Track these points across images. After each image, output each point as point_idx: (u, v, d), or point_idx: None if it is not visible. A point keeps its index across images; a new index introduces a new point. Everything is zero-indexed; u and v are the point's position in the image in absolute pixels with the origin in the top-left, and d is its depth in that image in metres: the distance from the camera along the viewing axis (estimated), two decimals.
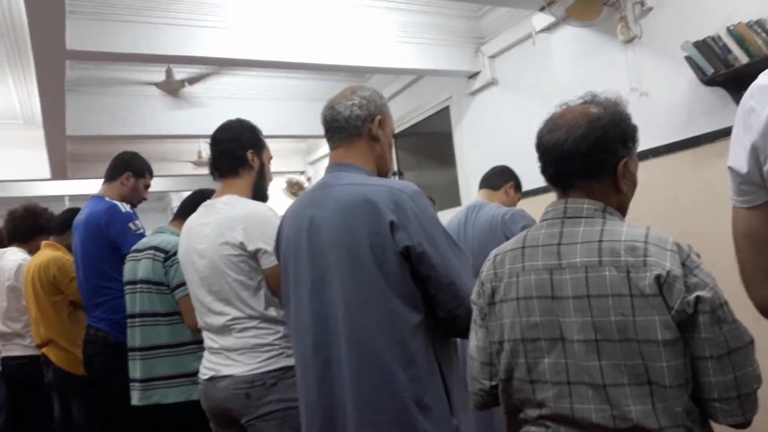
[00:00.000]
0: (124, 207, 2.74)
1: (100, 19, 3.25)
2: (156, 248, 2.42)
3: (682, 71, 2.75)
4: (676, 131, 2.85)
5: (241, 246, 1.86)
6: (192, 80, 4.76)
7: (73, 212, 3.07)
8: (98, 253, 2.70)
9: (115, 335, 2.66)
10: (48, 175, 5.87)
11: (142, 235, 2.67)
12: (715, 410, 1.09)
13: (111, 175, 2.86)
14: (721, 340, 1.06)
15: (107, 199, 2.77)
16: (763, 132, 0.90)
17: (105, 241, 2.67)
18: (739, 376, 1.07)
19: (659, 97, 2.94)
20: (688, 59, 2.65)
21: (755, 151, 0.91)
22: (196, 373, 2.30)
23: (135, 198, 2.89)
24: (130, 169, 2.86)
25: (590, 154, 1.19)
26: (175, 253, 2.35)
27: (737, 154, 0.95)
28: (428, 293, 1.46)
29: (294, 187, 6.32)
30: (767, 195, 0.94)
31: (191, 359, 2.35)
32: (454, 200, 4.67)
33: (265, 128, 2.15)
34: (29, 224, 3.52)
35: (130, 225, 2.67)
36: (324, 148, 6.72)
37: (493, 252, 1.32)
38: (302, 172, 7.33)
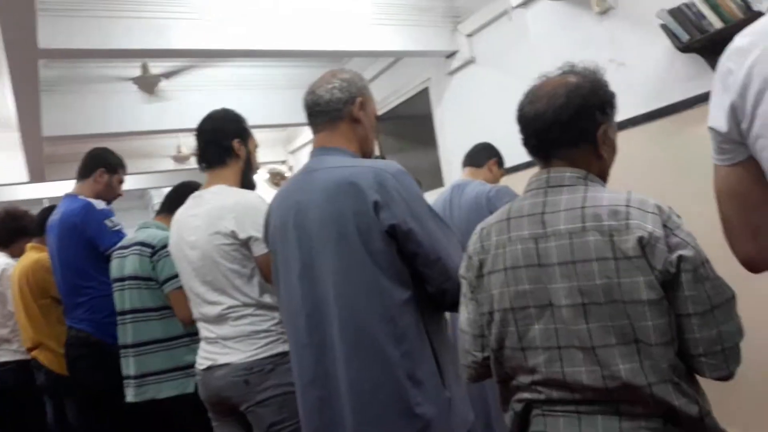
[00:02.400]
0: (99, 204, 2.72)
1: (72, 15, 3.20)
2: (142, 243, 2.41)
3: (658, 40, 2.76)
4: (655, 99, 2.88)
5: (233, 235, 1.87)
6: (169, 74, 4.71)
7: (51, 211, 3.04)
8: (75, 253, 2.68)
9: (97, 335, 2.65)
10: (26, 178, 5.80)
11: (120, 232, 2.65)
12: (701, 365, 1.11)
13: (83, 173, 2.83)
14: (704, 296, 1.09)
15: (81, 197, 2.74)
16: (740, 91, 0.91)
17: (82, 239, 2.65)
18: (723, 330, 1.09)
19: (637, 66, 2.96)
20: (664, 27, 2.67)
21: (734, 110, 0.93)
22: (189, 366, 2.31)
23: (110, 194, 2.86)
24: (102, 165, 2.83)
25: (571, 123, 1.21)
26: (162, 248, 2.35)
27: (717, 115, 0.97)
28: (416, 270, 1.47)
29: (276, 178, 6.31)
30: (746, 152, 0.96)
31: (184, 352, 2.36)
32: (437, 181, 4.69)
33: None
34: (10, 228, 3.48)
35: (107, 222, 2.65)
36: (304, 136, 6.70)
37: (479, 225, 1.34)
38: (283, 162, 7.31)
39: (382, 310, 1.44)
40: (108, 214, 2.70)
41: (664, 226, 1.10)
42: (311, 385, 1.53)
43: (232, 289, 1.89)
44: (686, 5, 2.56)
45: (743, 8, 2.37)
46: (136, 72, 4.54)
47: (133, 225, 2.60)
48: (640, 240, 1.08)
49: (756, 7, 2.32)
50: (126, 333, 2.42)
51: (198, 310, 1.99)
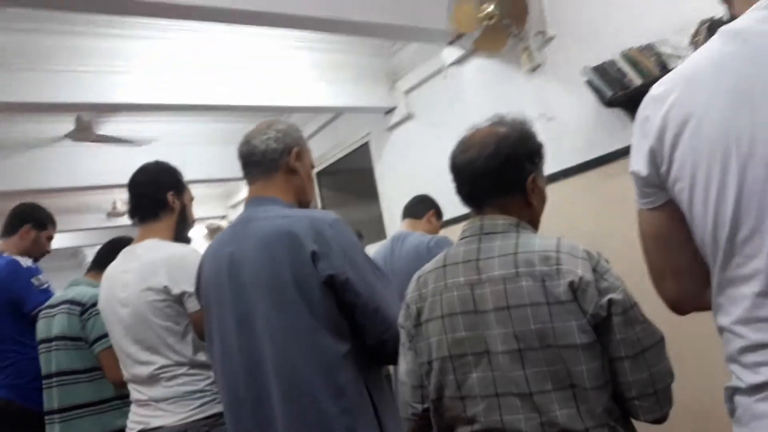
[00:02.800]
0: (26, 262, 2.60)
1: (3, 69, 3.12)
2: (71, 302, 2.31)
3: (584, 95, 2.90)
4: (583, 152, 3.00)
5: (165, 290, 1.80)
6: (102, 138, 4.60)
7: None
8: None
9: (21, 401, 2.49)
10: None
11: (47, 290, 2.53)
12: (635, 408, 1.13)
13: (8, 230, 2.72)
14: (635, 339, 1.11)
15: (6, 254, 2.62)
16: (658, 136, 0.96)
17: (5, 300, 2.52)
18: (654, 372, 1.12)
19: (565, 120, 3.09)
20: (589, 83, 2.81)
21: (653, 154, 0.98)
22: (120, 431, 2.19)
23: (37, 251, 2.75)
24: (29, 221, 2.72)
25: (501, 171, 1.24)
26: (92, 306, 2.26)
27: (637, 160, 1.01)
28: (355, 321, 1.45)
29: (215, 233, 6.20)
30: (667, 195, 1.00)
31: (115, 416, 2.25)
32: (379, 234, 4.71)
33: (182, 173, 2.11)
34: None
35: (33, 281, 2.54)
36: (244, 191, 6.63)
37: (417, 274, 1.34)
38: (223, 217, 7.21)
39: (321, 365, 1.41)
40: (35, 272, 2.58)
41: (594, 270, 1.13)
42: None
43: (164, 347, 1.82)
44: (609, 63, 2.71)
45: (660, 66, 2.53)
46: (69, 127, 4.43)
47: (61, 286, 2.49)
48: (571, 284, 1.11)
49: (671, 65, 2.48)
50: (52, 398, 2.29)
51: (128, 370, 1.90)
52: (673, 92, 0.95)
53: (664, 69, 2.51)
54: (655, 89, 0.99)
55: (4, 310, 2.52)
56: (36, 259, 2.70)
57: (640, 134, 1.00)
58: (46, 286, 2.55)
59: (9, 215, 2.74)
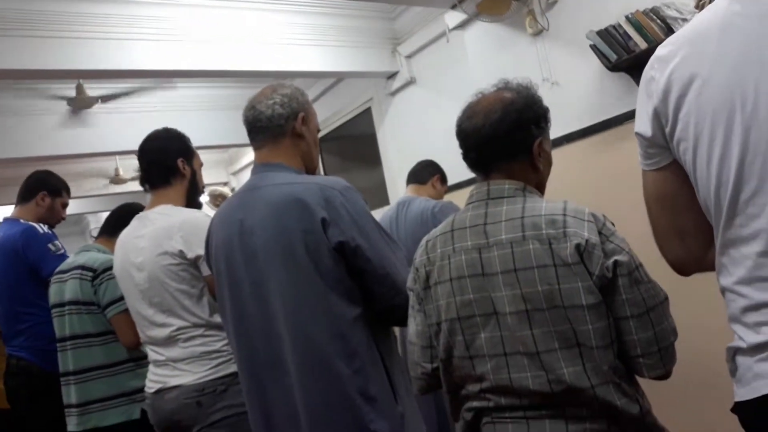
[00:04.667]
0: (42, 228, 2.64)
1: (4, 35, 3.09)
2: (83, 267, 2.34)
3: (588, 59, 2.89)
4: (587, 117, 3.00)
5: (181, 254, 1.84)
6: (106, 97, 4.60)
7: None
8: (16, 279, 2.59)
9: (40, 363, 2.56)
10: None
11: (63, 256, 2.57)
12: (640, 365, 1.17)
13: (25, 196, 2.74)
14: (640, 299, 1.15)
15: (22, 221, 2.65)
16: (662, 97, 0.97)
17: (23, 265, 2.56)
18: (658, 331, 1.16)
19: (569, 85, 3.08)
20: (593, 47, 2.79)
21: (657, 115, 0.98)
22: (134, 392, 2.25)
23: (53, 218, 2.78)
24: (45, 188, 2.75)
25: (507, 137, 1.26)
26: (103, 271, 2.30)
27: (642, 121, 1.02)
28: (365, 286, 1.48)
29: (218, 199, 6.19)
30: (671, 156, 1.01)
31: (128, 378, 2.30)
32: (382, 200, 4.72)
33: None
34: None
35: (50, 246, 2.58)
36: (247, 157, 6.64)
37: (425, 238, 1.37)
38: (225, 183, 7.21)
39: (333, 328, 1.44)
40: (51, 237, 2.62)
41: (600, 233, 1.16)
42: (266, 406, 1.51)
43: (181, 309, 1.86)
44: (613, 27, 2.69)
45: (665, 30, 2.52)
46: (71, 93, 4.42)
47: (71, 252, 2.52)
48: (578, 247, 1.13)
49: (676, 29, 2.46)
50: (67, 360, 2.34)
51: (145, 333, 1.95)
52: (679, 53, 0.95)
53: (670, 32, 2.49)
54: (661, 50, 0.99)
55: (22, 274, 2.56)
56: (51, 226, 2.74)
57: (644, 95, 1.01)
58: (62, 251, 2.60)
59: (25, 182, 2.77)
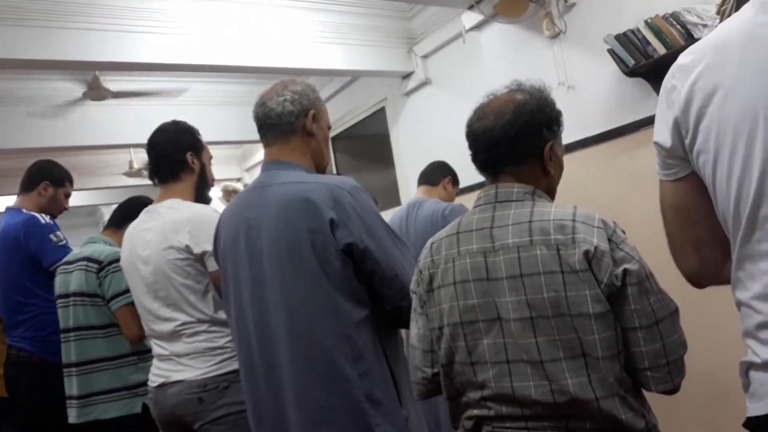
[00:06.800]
0: (44, 218, 2.63)
1: (19, 25, 3.11)
2: (88, 259, 2.34)
3: (605, 64, 2.85)
4: (603, 122, 2.96)
5: (187, 249, 1.83)
6: (119, 93, 4.61)
7: None
8: (18, 268, 2.59)
9: (40, 354, 2.56)
10: None
11: (65, 247, 2.57)
12: (647, 379, 1.13)
13: (27, 186, 2.74)
14: (649, 310, 1.11)
15: (25, 210, 2.65)
16: (683, 107, 0.94)
17: (24, 255, 2.56)
18: (667, 344, 1.12)
19: (585, 89, 3.04)
20: (611, 52, 2.75)
21: (677, 125, 0.96)
22: (136, 386, 2.25)
23: (55, 208, 2.77)
24: (48, 178, 2.74)
25: (518, 139, 1.23)
26: (109, 263, 2.29)
27: (661, 130, 1.00)
28: (373, 288, 1.46)
29: (230, 195, 6.20)
30: (690, 167, 0.98)
31: (131, 371, 2.30)
32: (394, 200, 4.70)
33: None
34: None
35: (51, 237, 2.57)
36: (260, 154, 6.63)
37: (430, 240, 1.34)
38: (238, 179, 7.23)
39: (339, 330, 1.42)
40: (53, 228, 2.61)
41: (609, 240, 1.13)
42: (263, 407, 1.50)
43: (185, 304, 1.85)
44: (632, 31, 2.65)
45: (684, 35, 2.47)
46: (86, 85, 4.44)
47: (77, 243, 2.52)
48: (586, 254, 1.10)
49: (696, 34, 2.42)
50: (70, 351, 2.34)
51: (150, 326, 1.94)
52: (701, 62, 0.93)
53: (690, 38, 2.45)
54: (683, 58, 0.97)
55: (24, 265, 2.56)
56: (54, 216, 2.73)
57: (665, 104, 0.99)
58: (63, 242, 2.59)
59: (27, 172, 2.77)
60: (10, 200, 2.89)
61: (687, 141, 0.95)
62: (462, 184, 3.32)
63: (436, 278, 1.26)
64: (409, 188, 4.43)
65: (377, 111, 4.93)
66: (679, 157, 0.98)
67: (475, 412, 1.22)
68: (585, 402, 1.10)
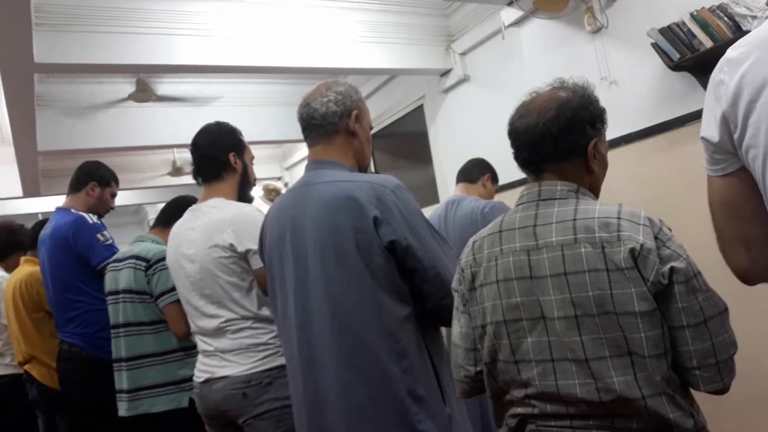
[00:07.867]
0: (92, 218, 2.71)
1: (68, 30, 3.22)
2: (137, 257, 2.40)
3: (649, 58, 2.80)
4: (647, 117, 2.90)
5: (231, 248, 1.87)
6: (163, 98, 4.71)
7: (43, 224, 3.03)
8: (67, 267, 2.67)
9: (89, 350, 2.64)
10: (20, 193, 5.78)
11: (112, 246, 2.64)
12: (696, 378, 1.12)
13: (75, 187, 2.83)
14: (697, 308, 1.09)
15: (73, 210, 2.74)
16: (732, 101, 0.93)
17: (73, 254, 2.64)
18: (716, 343, 1.10)
19: (628, 84, 2.99)
20: (655, 46, 2.70)
21: (726, 120, 0.95)
22: (184, 381, 2.30)
23: (102, 208, 2.85)
24: (94, 178, 2.82)
25: (561, 137, 1.22)
26: (156, 261, 2.35)
27: (709, 125, 0.98)
28: (415, 285, 1.47)
29: (271, 194, 6.29)
30: (739, 162, 0.97)
31: (178, 366, 2.35)
32: (433, 198, 4.70)
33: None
34: (5, 241, 3.47)
35: (99, 236, 2.64)
36: (300, 153, 6.72)
37: (472, 239, 1.34)
38: (279, 178, 7.31)
39: (383, 327, 1.43)
40: (100, 227, 2.69)
41: (656, 238, 1.11)
42: (302, 402, 1.52)
43: (230, 302, 1.89)
44: (677, 24, 2.59)
45: (732, 28, 2.41)
46: (132, 87, 4.55)
47: (129, 241, 2.59)
48: (632, 252, 1.09)
49: (745, 27, 2.35)
50: (119, 346, 2.41)
51: (196, 323, 1.99)
52: (751, 56, 0.91)
53: (738, 31, 2.38)
54: (731, 52, 0.95)
55: (73, 263, 2.65)
56: (101, 215, 2.81)
57: (712, 98, 0.97)
58: (110, 241, 2.66)
59: (75, 173, 2.85)
60: (60, 200, 2.99)
61: (736, 136, 0.94)
62: (502, 181, 3.29)
63: (478, 276, 1.26)
64: (447, 186, 4.42)
65: (416, 109, 4.93)
66: (728, 151, 0.97)
67: (519, 410, 1.22)
68: (631, 400, 1.09)
